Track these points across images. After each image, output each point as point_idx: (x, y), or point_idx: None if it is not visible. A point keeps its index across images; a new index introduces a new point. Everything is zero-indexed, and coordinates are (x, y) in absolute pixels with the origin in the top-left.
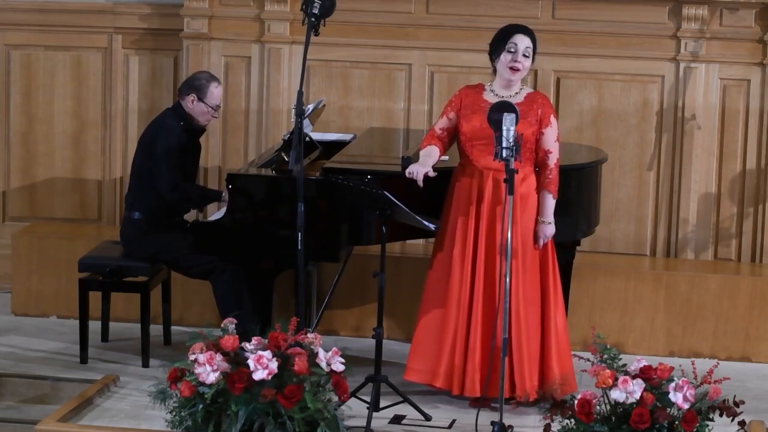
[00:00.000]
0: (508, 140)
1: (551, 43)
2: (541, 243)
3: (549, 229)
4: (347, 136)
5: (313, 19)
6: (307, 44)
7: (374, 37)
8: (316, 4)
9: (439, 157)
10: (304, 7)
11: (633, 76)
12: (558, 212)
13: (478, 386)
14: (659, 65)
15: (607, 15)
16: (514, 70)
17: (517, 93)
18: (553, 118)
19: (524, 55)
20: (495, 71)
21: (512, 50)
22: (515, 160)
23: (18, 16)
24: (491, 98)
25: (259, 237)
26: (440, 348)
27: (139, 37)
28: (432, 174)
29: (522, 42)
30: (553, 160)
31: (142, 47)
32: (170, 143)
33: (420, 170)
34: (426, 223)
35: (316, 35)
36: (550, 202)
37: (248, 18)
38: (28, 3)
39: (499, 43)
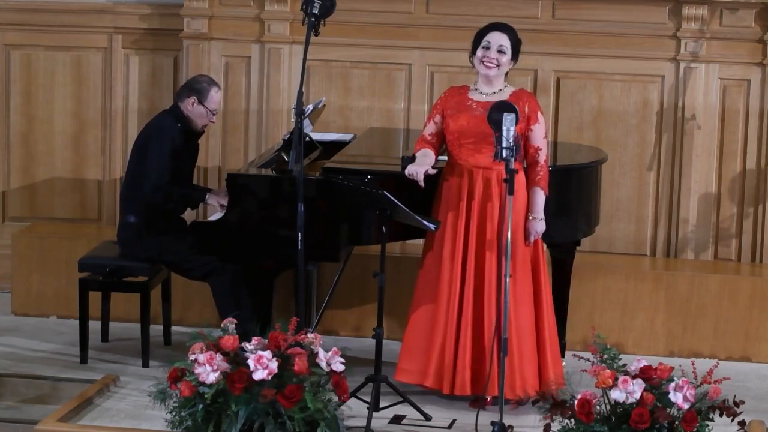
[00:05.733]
0: (508, 140)
1: (551, 43)
2: (532, 239)
3: (539, 226)
4: (347, 136)
5: (313, 19)
6: (307, 44)
7: (374, 37)
8: (316, 4)
9: (435, 158)
10: (304, 7)
11: (633, 76)
12: (558, 212)
13: (468, 384)
14: (659, 65)
15: (607, 15)
16: (486, 66)
17: (501, 90)
18: (540, 115)
19: (499, 51)
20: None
21: (486, 47)
22: (515, 160)
23: (18, 16)
24: (476, 96)
25: (259, 237)
26: (430, 347)
27: (139, 37)
28: (432, 171)
29: (496, 39)
30: (542, 156)
31: (142, 47)
32: (164, 146)
33: (419, 170)
34: (426, 223)
35: (316, 35)
36: (541, 199)
37: (248, 18)
38: (28, 3)
39: (476, 41)
